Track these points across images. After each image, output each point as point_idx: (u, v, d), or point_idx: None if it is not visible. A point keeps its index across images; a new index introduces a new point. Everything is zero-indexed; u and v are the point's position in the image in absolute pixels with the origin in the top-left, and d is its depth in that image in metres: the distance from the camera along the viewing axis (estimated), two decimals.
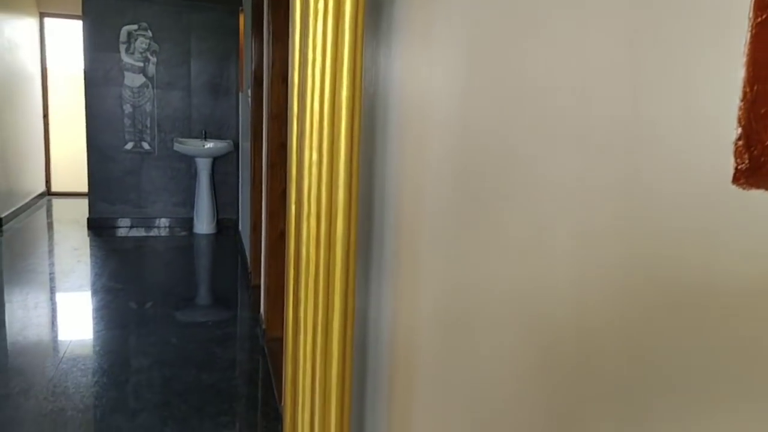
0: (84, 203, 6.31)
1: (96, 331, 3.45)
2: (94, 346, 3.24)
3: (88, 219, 5.96)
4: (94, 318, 3.65)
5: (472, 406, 0.96)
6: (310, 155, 0.93)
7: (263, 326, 3.38)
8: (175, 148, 5.78)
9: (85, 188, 6.11)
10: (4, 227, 5.76)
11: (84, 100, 5.73)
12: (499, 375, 0.89)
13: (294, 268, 1.01)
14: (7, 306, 3.79)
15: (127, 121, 5.80)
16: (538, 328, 0.80)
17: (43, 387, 2.74)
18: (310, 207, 0.94)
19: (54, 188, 7.55)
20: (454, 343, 0.99)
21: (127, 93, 5.74)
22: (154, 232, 5.90)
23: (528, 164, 0.80)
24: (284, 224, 2.97)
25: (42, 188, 7.29)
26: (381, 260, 1.17)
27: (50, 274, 4.53)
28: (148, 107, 5.82)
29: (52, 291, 4.15)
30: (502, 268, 0.86)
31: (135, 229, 5.96)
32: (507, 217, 0.85)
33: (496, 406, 0.90)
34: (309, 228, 0.96)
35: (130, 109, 5.79)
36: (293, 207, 0.98)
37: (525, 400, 0.84)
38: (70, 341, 3.29)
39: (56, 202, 7.21)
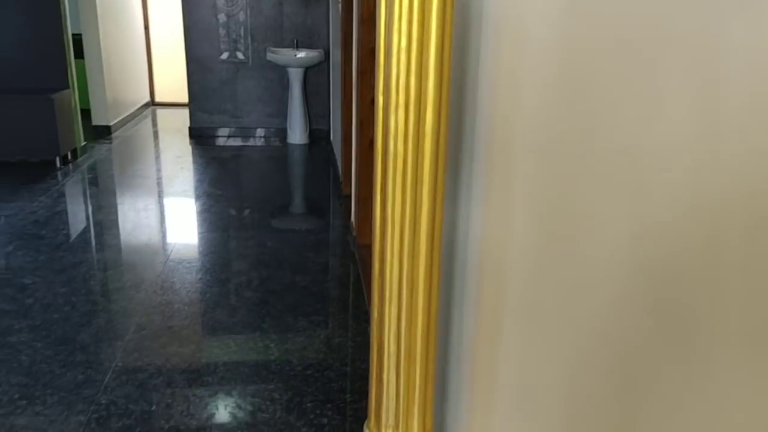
0: (185, 113, 6.55)
1: (199, 233, 3.64)
2: (197, 246, 3.43)
3: (189, 128, 6.19)
4: (197, 221, 3.85)
5: (566, 310, 0.92)
6: (399, 41, 0.88)
7: (354, 234, 3.44)
8: (267, 57, 5.81)
9: (184, 99, 6.32)
10: (113, 135, 6.10)
11: (181, 10, 5.82)
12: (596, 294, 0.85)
13: (382, 163, 0.98)
14: (119, 208, 4.06)
15: (221, 31, 5.86)
16: (645, 256, 0.74)
17: (152, 282, 2.95)
18: (398, 97, 0.90)
19: (158, 99, 7.86)
20: (548, 254, 0.94)
21: (221, 1, 5.77)
22: (250, 142, 6.06)
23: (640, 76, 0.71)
24: (374, 131, 2.95)
25: (147, 99, 7.61)
26: (472, 160, 1.12)
27: (156, 179, 4.79)
28: (241, 16, 5.84)
29: (159, 195, 4.40)
30: (608, 190, 0.79)
31: (232, 138, 6.14)
32: (612, 131, 0.77)
33: (593, 325, 0.86)
34: (397, 120, 0.93)
35: (225, 18, 5.83)
36: (381, 98, 0.94)
37: (630, 325, 0.79)
38: (176, 242, 3.50)
39: (160, 112, 7.52)
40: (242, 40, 5.90)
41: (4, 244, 3.32)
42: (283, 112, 6.15)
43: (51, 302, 2.71)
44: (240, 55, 5.95)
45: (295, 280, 3.03)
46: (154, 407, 2.02)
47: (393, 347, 1.07)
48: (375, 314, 1.11)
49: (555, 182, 0.90)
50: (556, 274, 0.92)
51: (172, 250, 3.34)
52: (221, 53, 5.93)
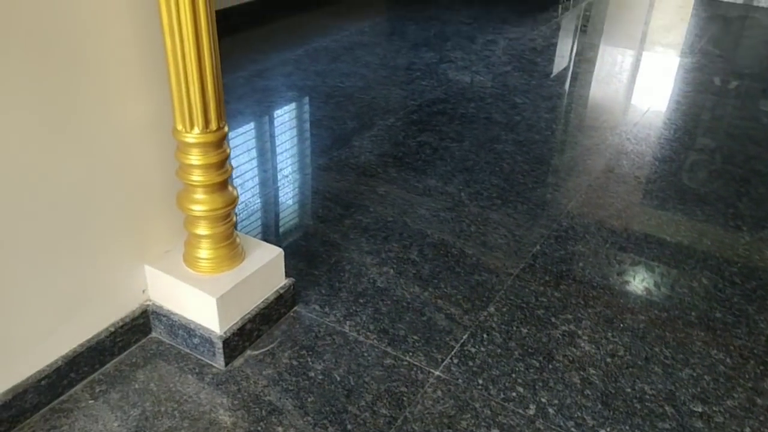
0: None
1: (686, 92, 3.37)
2: (681, 104, 3.20)
3: None
4: (686, 78, 3.56)
5: None
6: None
7: None
8: None
9: None
10: None
11: None
12: None
13: None
14: (607, 51, 4.00)
15: None
16: None
17: (628, 128, 2.90)
18: None
19: None
20: None
21: None
22: (765, 3, 5.14)
23: None
24: None
25: None
26: None
27: (652, 26, 4.52)
28: None
29: (651, 43, 4.17)
30: None
31: None
32: None
33: None
34: None
35: None
36: None
37: None
38: (659, 95, 3.32)
39: None
40: None
41: (504, 64, 3.66)
42: None
43: (534, 124, 2.93)
44: None
45: None
46: (608, 245, 2.08)
47: None
48: None
49: None
50: None
51: (653, 102, 3.20)
52: None
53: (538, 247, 2.05)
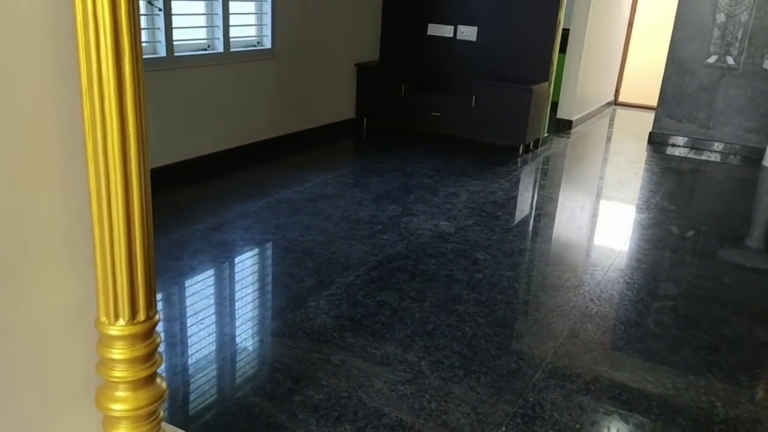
0: (647, 116, 6.22)
1: (647, 249, 3.39)
2: (642, 263, 3.21)
3: (649, 133, 5.87)
4: (645, 235, 3.60)
5: None
6: None
7: None
8: (765, 65, 5.03)
9: (650, 102, 5.99)
10: (573, 130, 6.20)
11: (676, 6, 5.46)
12: None
13: None
14: (566, 204, 4.09)
15: (716, 32, 5.30)
16: None
17: (590, 288, 2.86)
18: None
19: (621, 99, 7.70)
20: None
21: (723, 0, 5.20)
22: (715, 158, 5.42)
23: None
24: None
25: (610, 97, 7.52)
26: None
27: (606, 181, 4.67)
28: (743, 17, 5.16)
29: (606, 198, 4.28)
30: None
31: (696, 150, 5.59)
32: None
33: None
34: None
35: (723, 19, 5.24)
36: None
37: None
38: (620, 252, 3.33)
39: (620, 113, 7.35)
40: (737, 44, 5.23)
41: (466, 217, 3.68)
42: (765, 129, 5.29)
43: (497, 282, 2.88)
44: (730, 60, 5.30)
45: (756, 334, 2.55)
46: (578, 426, 1.94)
47: None
48: None
49: None
50: None
51: (614, 260, 3.20)
52: (708, 56, 5.38)
53: (503, 429, 1.90)
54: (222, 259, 2.95)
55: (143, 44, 3.65)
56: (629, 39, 7.45)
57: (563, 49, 5.94)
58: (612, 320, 2.61)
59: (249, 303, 2.60)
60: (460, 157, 4.95)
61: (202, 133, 4.14)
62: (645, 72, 7.30)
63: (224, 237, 3.18)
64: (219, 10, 4.06)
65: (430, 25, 5.52)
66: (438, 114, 5.29)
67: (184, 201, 3.63)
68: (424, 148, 5.15)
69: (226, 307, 2.55)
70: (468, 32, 5.38)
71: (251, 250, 3.07)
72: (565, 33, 5.82)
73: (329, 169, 4.43)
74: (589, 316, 2.62)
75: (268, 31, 4.49)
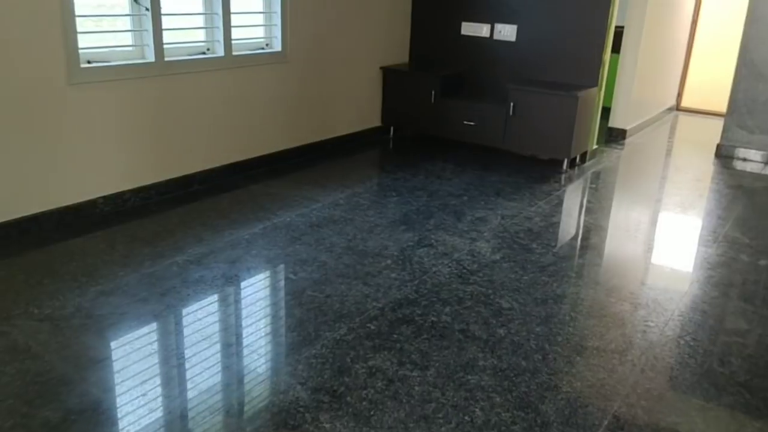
0: (714, 125, 5.49)
1: (710, 297, 2.76)
2: (705, 315, 2.59)
3: (717, 145, 5.15)
4: (714, 275, 2.96)
5: None
6: None
7: None
8: None
9: (717, 107, 5.28)
10: (627, 140, 5.53)
11: (748, 2, 4.74)
12: None
13: None
14: (616, 234, 3.47)
15: None
16: None
17: (643, 351, 2.27)
18: None
19: (684, 104, 6.94)
20: None
21: None
22: None
23: None
24: None
25: (671, 102, 6.78)
26: None
27: (667, 204, 4.02)
28: None
29: (667, 227, 3.63)
30: None
31: None
32: None
33: None
34: None
35: None
36: None
37: None
38: (682, 301, 2.71)
39: (683, 119, 6.60)
40: None
41: (494, 250, 3.12)
42: None
43: (522, 342, 2.32)
44: None
45: None
46: None
47: None
48: None
49: None
50: None
51: (673, 313, 2.59)
52: None
53: None
54: (191, 302, 2.49)
55: (125, 48, 3.24)
56: (693, 36, 6.70)
57: (616, 49, 5.28)
58: (670, 399, 2.02)
59: (206, 368, 2.11)
60: (494, 173, 4.38)
61: (197, 146, 3.70)
62: (711, 74, 6.54)
63: (203, 273, 2.72)
64: (219, 9, 3.61)
65: (464, 24, 4.96)
66: (472, 123, 4.72)
67: (171, 226, 3.20)
68: (454, 162, 4.60)
69: (178, 377, 2.07)
70: (506, 31, 4.80)
71: (229, 290, 2.60)
72: (619, 31, 5.17)
73: (342, 186, 3.93)
74: (639, 395, 2.04)
75: (277, 31, 4.03)
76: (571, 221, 3.62)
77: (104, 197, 3.31)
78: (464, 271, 2.88)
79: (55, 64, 2.94)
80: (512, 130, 4.57)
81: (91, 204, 3.25)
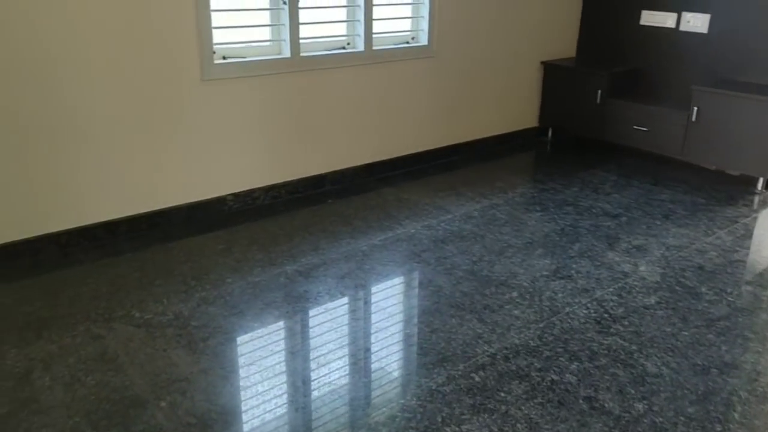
0: None
1: None
2: None
3: None
4: None
5: None
6: None
7: None
8: None
9: None
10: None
11: None
12: None
13: None
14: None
15: None
16: None
17: None
18: None
19: None
20: None
21: None
22: None
23: None
24: None
25: None
26: None
27: None
28: None
29: None
30: None
31: None
32: None
33: None
34: None
35: None
36: None
37: None
38: None
39: None
40: None
41: (649, 291, 2.57)
42: None
43: (667, 427, 1.81)
44: None
45: None
46: None
47: None
48: None
49: None
50: None
51: None
52: None
53: None
54: (284, 320, 2.30)
55: (261, 44, 3.14)
56: None
57: None
58: None
59: (268, 410, 1.90)
60: (665, 189, 3.72)
61: (332, 145, 3.54)
62: None
63: (308, 288, 2.53)
64: (361, 1, 3.39)
65: (644, 13, 4.27)
66: (644, 128, 4.06)
67: (291, 229, 3.06)
68: (618, 172, 3.99)
69: (239, 408, 1.88)
70: (697, 21, 4.04)
71: (325, 312, 2.38)
72: None
73: (480, 196, 3.55)
74: None
75: (425, 24, 3.72)
76: (760, 260, 2.91)
77: (234, 194, 3.26)
78: (605, 316, 2.39)
79: (189, 60, 2.91)
80: (693, 139, 3.85)
81: (221, 201, 3.22)
